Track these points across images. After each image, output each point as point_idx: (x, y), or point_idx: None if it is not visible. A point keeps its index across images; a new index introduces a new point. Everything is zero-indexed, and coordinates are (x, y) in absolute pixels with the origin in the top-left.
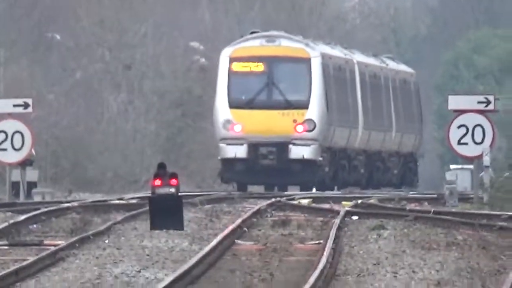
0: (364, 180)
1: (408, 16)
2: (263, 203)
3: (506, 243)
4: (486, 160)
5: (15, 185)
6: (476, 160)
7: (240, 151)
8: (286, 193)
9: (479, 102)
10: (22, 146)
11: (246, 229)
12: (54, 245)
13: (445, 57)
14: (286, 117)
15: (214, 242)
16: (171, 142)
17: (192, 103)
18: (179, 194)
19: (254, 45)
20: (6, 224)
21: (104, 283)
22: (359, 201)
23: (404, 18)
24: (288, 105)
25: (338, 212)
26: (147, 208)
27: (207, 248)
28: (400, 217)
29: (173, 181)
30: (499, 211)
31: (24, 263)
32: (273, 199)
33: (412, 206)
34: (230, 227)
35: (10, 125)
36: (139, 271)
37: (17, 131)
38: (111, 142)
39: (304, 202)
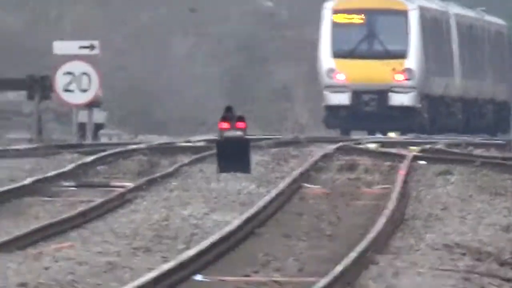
0: (461, 126)
1: None
2: (330, 147)
3: None
4: None
5: (82, 127)
6: None
7: (343, 99)
8: (353, 137)
9: None
10: (89, 87)
11: (313, 173)
12: (122, 187)
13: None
14: (386, 66)
15: (281, 185)
16: (237, 86)
17: (258, 47)
18: (246, 137)
19: None
20: (73, 165)
21: (172, 225)
22: (427, 146)
23: None
24: (388, 55)
25: (405, 157)
26: (214, 151)
27: (274, 191)
28: (467, 162)
29: (240, 124)
30: None
31: (92, 204)
32: (340, 143)
33: (479, 151)
34: (298, 171)
35: (77, 67)
36: (207, 214)
37: (84, 73)
38: (178, 85)
39: (372, 146)
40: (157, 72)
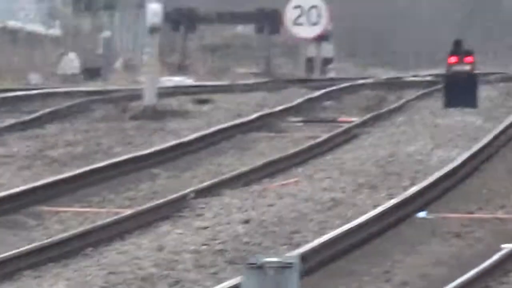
0: None
1: None
2: None
3: None
4: None
5: (310, 61)
6: None
7: None
8: None
9: None
10: (318, 21)
11: None
12: (348, 122)
13: None
14: None
15: (507, 120)
16: (467, 19)
17: None
18: (474, 71)
19: None
20: (300, 100)
21: (397, 161)
22: None
23: None
24: None
25: None
26: (441, 85)
27: (500, 126)
28: None
29: (469, 59)
30: None
31: (318, 139)
32: None
33: None
34: None
35: (307, 0)
36: (432, 149)
37: (313, 6)
38: (408, 19)
39: None
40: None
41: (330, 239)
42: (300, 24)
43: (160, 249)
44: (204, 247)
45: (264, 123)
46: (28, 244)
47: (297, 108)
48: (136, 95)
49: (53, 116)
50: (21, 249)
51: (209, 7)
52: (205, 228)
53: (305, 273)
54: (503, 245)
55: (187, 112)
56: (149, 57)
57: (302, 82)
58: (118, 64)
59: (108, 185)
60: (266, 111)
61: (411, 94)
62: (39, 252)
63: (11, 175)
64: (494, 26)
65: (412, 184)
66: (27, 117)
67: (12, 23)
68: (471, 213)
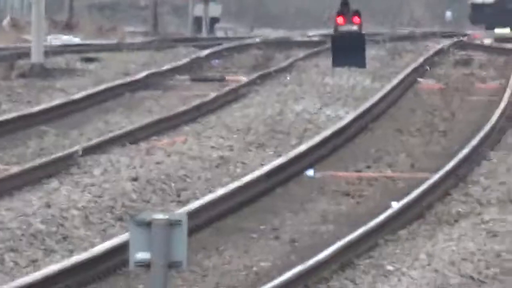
0: None
1: None
2: (446, 42)
3: None
4: None
5: (197, 20)
6: None
7: None
8: (468, 32)
9: None
10: None
11: (428, 68)
12: (236, 81)
13: None
14: None
15: (395, 80)
16: None
17: None
18: (362, 32)
19: None
20: (188, 59)
21: (285, 120)
22: None
23: None
24: None
25: None
26: (329, 45)
27: (388, 86)
28: None
29: (356, 19)
30: None
31: (206, 98)
32: (455, 39)
33: None
34: (412, 65)
35: None
36: (320, 108)
37: None
38: None
39: (487, 41)
40: None
41: (218, 196)
42: None
43: (49, 206)
44: (93, 204)
45: (151, 81)
46: None
47: (185, 67)
48: (23, 53)
49: None
50: None
51: None
52: (93, 185)
53: (194, 230)
54: (392, 203)
55: (74, 71)
56: (35, 15)
57: (190, 41)
58: (5, 22)
59: None
60: (154, 70)
61: (299, 53)
62: None
63: None
64: None
65: (300, 143)
66: None
67: None
68: (360, 171)
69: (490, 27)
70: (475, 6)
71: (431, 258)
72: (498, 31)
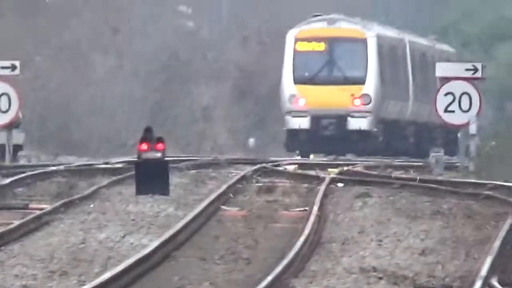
0: (413, 149)
1: None
2: (249, 169)
3: (491, 212)
4: (473, 128)
5: (0, 148)
6: (462, 128)
7: (303, 123)
8: (272, 158)
9: (466, 70)
10: (8, 108)
11: (231, 195)
12: (39, 209)
13: (434, 25)
14: (345, 92)
15: (199, 207)
16: (157, 106)
17: (179, 67)
18: (165, 158)
19: (316, 27)
20: None
21: (89, 248)
22: (345, 168)
23: None
24: (347, 81)
25: (323, 179)
26: (133, 172)
27: (192, 214)
28: (386, 184)
29: (160, 146)
30: (485, 180)
31: (9, 226)
32: (258, 165)
33: (397, 174)
34: (216, 193)
35: None
36: (124, 237)
37: (3, 93)
38: (98, 106)
39: (290, 168)
40: (78, 92)
41: None
42: None
43: None
44: None
45: None
46: None
47: None
48: None
49: None
50: None
51: None
52: None
53: None
54: None
55: None
56: None
57: None
58: None
59: None
60: None
61: (103, 181)
62: None
63: None
64: (184, 112)
65: (104, 271)
66: None
67: None
68: None
69: (305, 154)
70: (290, 132)
71: None
72: (312, 157)
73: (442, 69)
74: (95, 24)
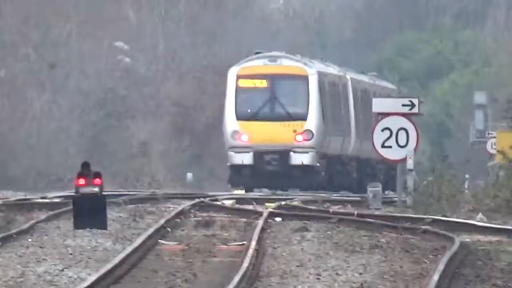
0: (355, 183)
1: (333, 19)
2: (187, 203)
3: (429, 246)
4: (410, 163)
5: None
6: (400, 163)
7: (246, 158)
8: (209, 193)
9: (403, 105)
10: None
11: (169, 229)
12: None
13: (370, 60)
14: (287, 128)
15: (137, 242)
16: (95, 142)
17: (116, 103)
18: (103, 193)
19: (258, 64)
20: None
21: (27, 282)
22: (283, 202)
23: (329, 21)
24: (289, 117)
25: (261, 214)
26: (71, 207)
27: (130, 248)
28: (324, 219)
29: (97, 181)
30: (422, 215)
31: None
32: (196, 200)
33: (335, 208)
34: (153, 227)
35: None
36: (62, 270)
37: None
38: (35, 141)
39: (228, 203)
40: (15, 127)
41: None
42: None
43: None
44: None
45: None
46: None
47: None
48: None
49: None
50: None
51: None
52: None
53: None
54: None
55: None
56: None
57: None
58: None
59: None
60: None
61: (40, 215)
62: None
63: None
64: (121, 148)
65: None
66: None
67: None
68: None
69: (249, 189)
70: (234, 168)
71: None
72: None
73: (378, 105)
74: (31, 59)
